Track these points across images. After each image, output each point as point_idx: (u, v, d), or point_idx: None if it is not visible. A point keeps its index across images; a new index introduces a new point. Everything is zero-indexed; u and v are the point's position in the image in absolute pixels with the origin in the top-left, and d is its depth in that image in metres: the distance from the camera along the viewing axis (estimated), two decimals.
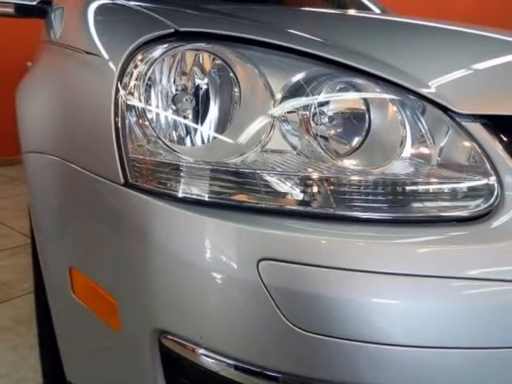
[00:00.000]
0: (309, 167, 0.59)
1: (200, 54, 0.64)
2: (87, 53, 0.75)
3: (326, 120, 0.62)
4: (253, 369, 0.55)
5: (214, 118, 0.63)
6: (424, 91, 0.61)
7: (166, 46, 0.63)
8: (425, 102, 0.61)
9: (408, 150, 0.61)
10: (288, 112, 0.61)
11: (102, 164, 0.65)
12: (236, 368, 0.56)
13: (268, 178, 0.59)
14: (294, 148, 0.61)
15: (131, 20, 0.79)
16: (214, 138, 0.63)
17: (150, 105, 0.62)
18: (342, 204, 0.58)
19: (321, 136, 0.61)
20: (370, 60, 0.65)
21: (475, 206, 0.58)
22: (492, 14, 3.61)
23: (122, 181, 0.61)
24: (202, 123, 0.63)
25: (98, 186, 0.65)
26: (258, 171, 0.59)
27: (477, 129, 0.60)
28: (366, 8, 1.87)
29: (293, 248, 0.53)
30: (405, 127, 0.61)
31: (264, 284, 0.52)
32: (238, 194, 0.59)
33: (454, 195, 0.59)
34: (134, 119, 0.62)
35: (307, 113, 0.61)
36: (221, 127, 0.63)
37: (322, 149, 0.60)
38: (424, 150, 0.61)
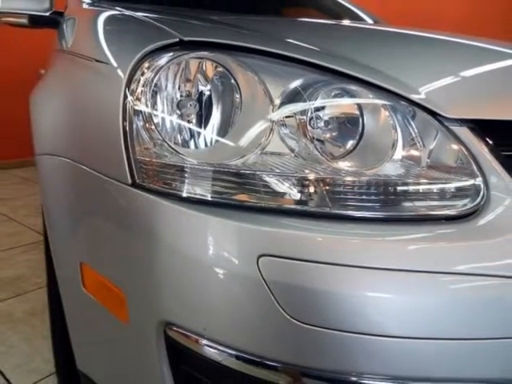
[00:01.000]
0: (306, 169, 0.60)
1: (203, 62, 0.64)
2: (97, 61, 0.75)
3: (322, 124, 0.62)
4: (253, 359, 0.55)
5: (217, 122, 0.63)
6: (414, 97, 0.62)
7: (171, 54, 0.64)
8: (415, 107, 0.61)
9: (399, 153, 0.61)
10: (286, 117, 0.62)
11: (110, 165, 0.65)
12: (237, 358, 0.56)
13: (267, 178, 0.59)
14: (292, 150, 0.61)
15: (138, 30, 0.80)
16: (217, 141, 0.63)
17: (156, 110, 0.62)
18: (337, 203, 0.58)
19: (317, 139, 0.61)
20: (363, 67, 0.65)
21: (462, 205, 0.58)
22: (485, 23, 3.57)
23: (130, 181, 0.62)
24: (205, 127, 0.63)
25: (107, 186, 0.65)
26: (258, 172, 0.59)
27: (464, 132, 0.60)
28: (359, 18, 1.88)
29: (291, 245, 0.53)
30: (396, 131, 0.61)
31: (264, 279, 0.52)
32: (239, 194, 0.59)
33: (442, 195, 0.59)
34: (141, 123, 0.62)
35: (304, 117, 0.61)
36: (223, 131, 0.63)
37: (318, 151, 0.60)
38: (414, 153, 0.61)
